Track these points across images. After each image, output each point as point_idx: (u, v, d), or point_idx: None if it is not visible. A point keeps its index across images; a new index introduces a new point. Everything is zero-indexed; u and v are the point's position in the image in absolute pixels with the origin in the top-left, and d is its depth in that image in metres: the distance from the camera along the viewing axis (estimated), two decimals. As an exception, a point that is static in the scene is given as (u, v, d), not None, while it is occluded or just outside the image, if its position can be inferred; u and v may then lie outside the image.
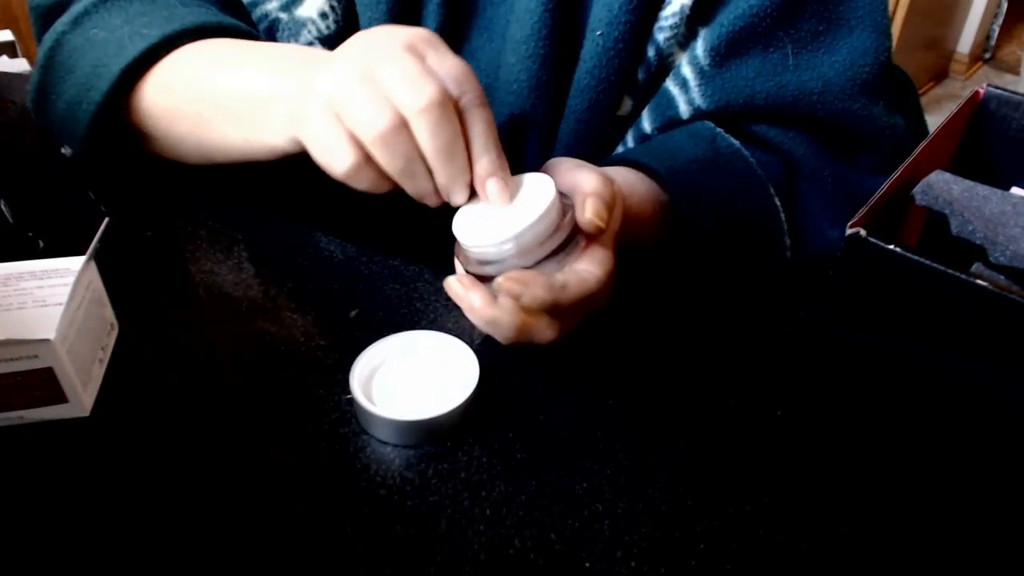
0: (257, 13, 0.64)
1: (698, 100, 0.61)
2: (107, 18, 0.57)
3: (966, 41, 3.01)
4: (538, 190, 0.45)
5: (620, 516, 0.42)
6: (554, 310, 0.45)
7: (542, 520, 0.41)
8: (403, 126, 0.43)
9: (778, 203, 0.60)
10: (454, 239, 0.47)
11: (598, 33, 0.58)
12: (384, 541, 0.40)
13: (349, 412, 0.46)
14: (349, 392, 0.45)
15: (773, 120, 0.62)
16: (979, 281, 0.47)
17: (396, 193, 0.48)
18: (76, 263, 0.45)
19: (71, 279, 0.44)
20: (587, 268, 0.46)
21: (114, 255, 0.56)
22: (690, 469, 0.44)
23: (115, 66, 0.55)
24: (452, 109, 0.43)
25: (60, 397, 0.44)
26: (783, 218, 0.61)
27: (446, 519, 0.41)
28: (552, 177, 0.47)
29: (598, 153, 0.63)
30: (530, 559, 0.39)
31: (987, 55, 3.14)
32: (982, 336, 0.49)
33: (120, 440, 0.44)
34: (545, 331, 0.46)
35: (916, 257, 0.49)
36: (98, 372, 0.47)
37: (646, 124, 0.63)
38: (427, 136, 0.43)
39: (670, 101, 0.61)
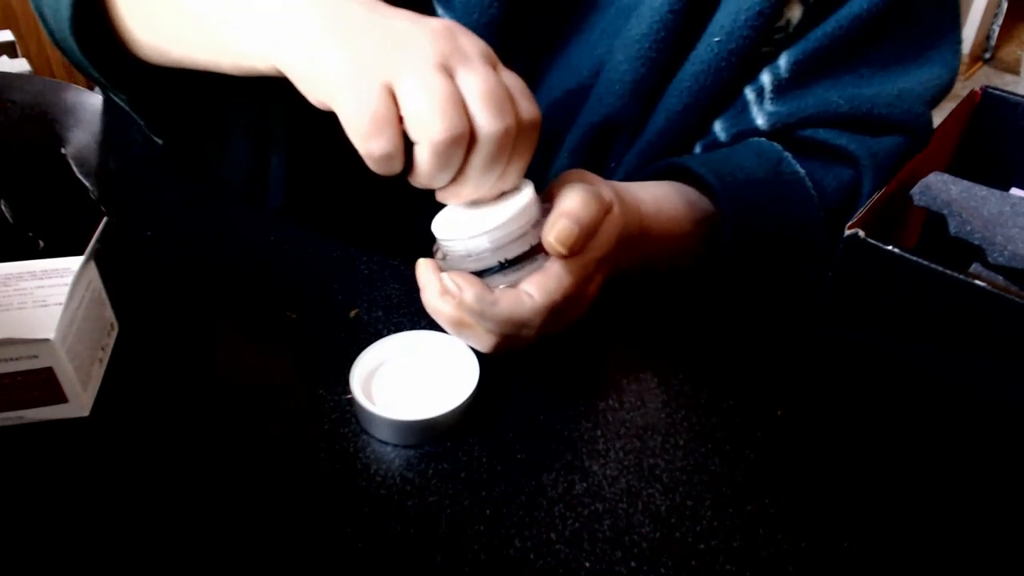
0: None
1: (771, 106, 0.61)
2: None
3: (966, 41, 3.01)
4: (516, 200, 0.44)
5: (620, 516, 0.42)
6: (484, 321, 0.44)
7: (542, 520, 0.41)
8: (466, 140, 0.40)
9: (822, 240, 0.60)
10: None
11: (716, 40, 0.58)
12: (384, 541, 0.40)
13: (349, 412, 0.46)
14: (349, 392, 0.45)
15: (850, 126, 0.61)
16: (977, 281, 0.47)
17: (396, 194, 0.48)
18: (76, 263, 0.45)
19: (71, 279, 0.44)
20: (527, 292, 0.44)
21: (114, 255, 0.56)
22: (690, 469, 0.44)
23: None
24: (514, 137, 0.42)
25: (60, 397, 0.44)
26: (822, 252, 0.61)
27: (446, 519, 0.41)
28: (554, 188, 0.46)
29: (679, 154, 0.63)
30: (530, 559, 0.39)
31: (987, 55, 3.14)
32: (980, 336, 0.49)
33: (120, 440, 0.44)
34: (481, 338, 0.45)
35: (914, 257, 0.49)
36: (98, 372, 0.47)
37: (719, 129, 0.62)
38: (484, 160, 0.41)
39: (745, 106, 0.61)
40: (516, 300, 0.44)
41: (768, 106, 0.61)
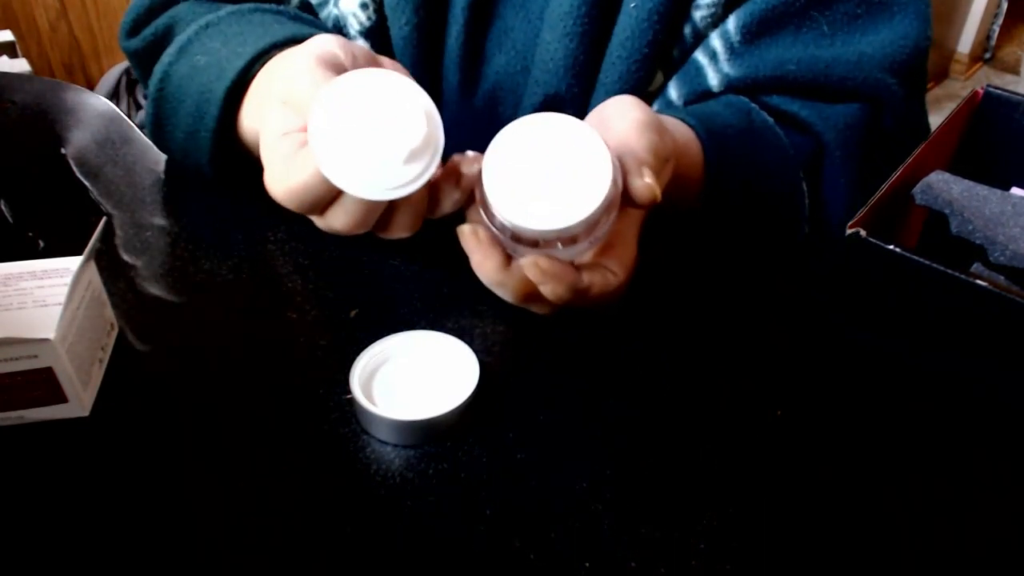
0: (323, 14, 0.65)
1: (727, 69, 0.60)
2: (208, 43, 0.58)
3: (966, 41, 3.01)
4: (592, 169, 0.41)
5: (620, 516, 0.42)
6: (564, 297, 0.45)
7: (542, 520, 0.41)
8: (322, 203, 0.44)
9: (804, 186, 0.60)
10: (480, 179, 0.43)
11: (632, 6, 0.58)
12: (384, 541, 0.40)
13: (349, 412, 0.46)
14: (349, 392, 0.45)
15: (805, 93, 0.61)
16: (979, 281, 0.47)
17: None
18: (76, 263, 0.45)
19: (71, 279, 0.44)
20: (613, 270, 0.45)
21: (114, 255, 0.56)
22: (690, 469, 0.44)
23: (219, 90, 0.55)
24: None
25: (60, 397, 0.44)
26: (806, 202, 0.61)
27: (446, 519, 0.41)
28: (605, 128, 0.45)
29: None
30: (530, 559, 0.39)
31: (987, 55, 3.14)
32: (982, 336, 0.49)
33: (120, 440, 0.44)
34: (543, 308, 0.47)
35: (916, 257, 0.49)
36: (98, 372, 0.47)
37: (673, 93, 0.62)
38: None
39: (699, 70, 0.61)
40: (605, 282, 0.45)
41: (724, 67, 0.60)
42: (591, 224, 0.42)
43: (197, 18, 0.61)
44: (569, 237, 0.43)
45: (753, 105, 0.61)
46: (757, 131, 0.59)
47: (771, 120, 0.60)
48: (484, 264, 0.45)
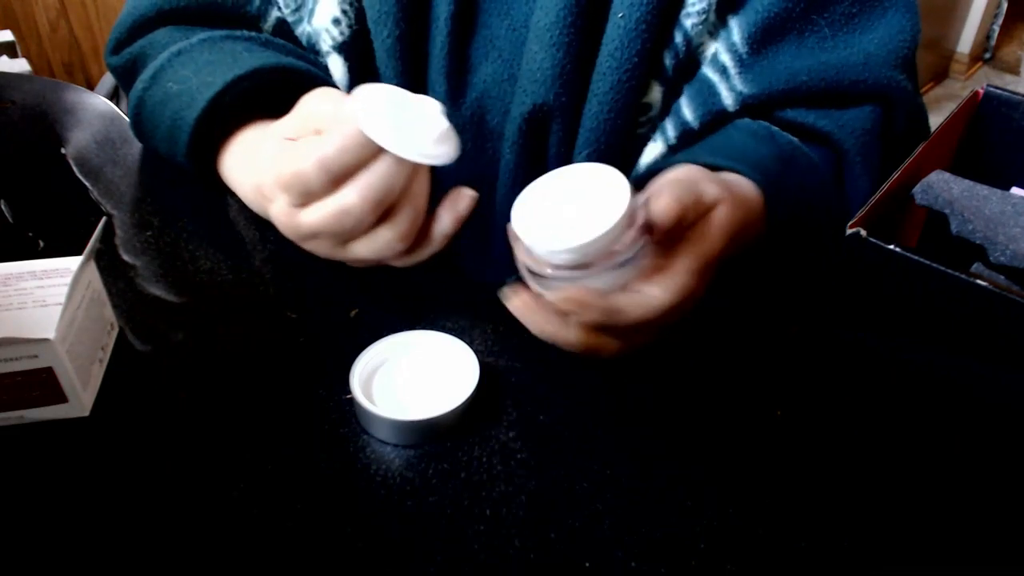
0: (298, 31, 0.65)
1: (740, 86, 0.60)
2: (180, 70, 0.60)
3: (966, 41, 3.01)
4: (611, 193, 0.43)
5: (620, 516, 0.42)
6: (613, 331, 0.44)
7: (542, 520, 0.41)
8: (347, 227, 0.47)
9: (837, 200, 0.60)
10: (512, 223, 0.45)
11: (620, 16, 0.58)
12: (384, 541, 0.40)
13: (349, 412, 0.46)
14: (349, 392, 0.45)
15: (819, 101, 0.61)
16: (979, 281, 0.47)
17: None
18: (76, 263, 0.45)
19: (71, 279, 0.44)
20: (653, 291, 0.44)
21: (114, 255, 0.56)
22: (690, 469, 0.44)
23: (189, 118, 0.57)
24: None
25: (60, 397, 0.44)
26: (844, 211, 0.60)
27: (446, 519, 0.41)
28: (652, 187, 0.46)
29: (622, 141, 0.62)
30: (530, 559, 0.39)
31: (987, 55, 3.14)
32: (981, 336, 0.49)
33: (120, 440, 0.44)
34: (609, 345, 0.46)
35: (916, 257, 0.49)
36: (98, 372, 0.47)
37: (688, 114, 0.62)
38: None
39: (711, 88, 0.61)
40: (641, 304, 0.44)
41: (737, 84, 0.60)
42: (608, 247, 0.43)
43: (172, 44, 0.62)
44: (586, 262, 0.43)
45: (774, 128, 0.60)
46: (787, 155, 0.59)
47: (795, 140, 0.60)
48: (533, 321, 0.46)
